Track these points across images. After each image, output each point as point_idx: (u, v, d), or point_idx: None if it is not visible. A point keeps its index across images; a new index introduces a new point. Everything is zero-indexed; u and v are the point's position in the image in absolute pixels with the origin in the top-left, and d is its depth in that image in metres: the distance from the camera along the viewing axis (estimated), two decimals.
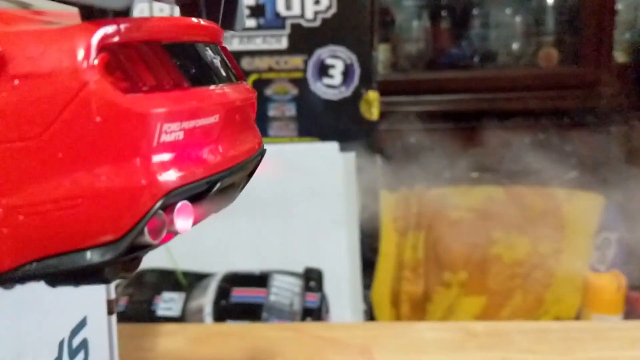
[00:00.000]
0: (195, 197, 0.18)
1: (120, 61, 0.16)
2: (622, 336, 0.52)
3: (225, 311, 0.93)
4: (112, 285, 0.38)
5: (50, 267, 0.16)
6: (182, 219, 0.17)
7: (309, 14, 1.05)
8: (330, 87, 1.07)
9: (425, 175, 1.29)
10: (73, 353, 0.33)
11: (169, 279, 1.01)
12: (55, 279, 0.17)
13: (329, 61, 1.06)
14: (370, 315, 1.13)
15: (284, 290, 0.97)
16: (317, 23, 1.05)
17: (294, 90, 1.08)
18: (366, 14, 1.05)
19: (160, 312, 0.96)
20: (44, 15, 0.18)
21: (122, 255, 0.16)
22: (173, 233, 0.17)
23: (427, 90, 1.30)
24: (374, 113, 1.07)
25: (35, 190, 0.16)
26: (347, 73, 1.06)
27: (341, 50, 1.06)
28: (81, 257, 0.16)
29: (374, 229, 1.12)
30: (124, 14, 0.16)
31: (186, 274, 1.01)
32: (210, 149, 0.18)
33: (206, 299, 0.94)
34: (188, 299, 0.97)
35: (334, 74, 1.06)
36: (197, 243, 1.08)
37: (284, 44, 1.06)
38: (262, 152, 0.22)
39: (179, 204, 0.17)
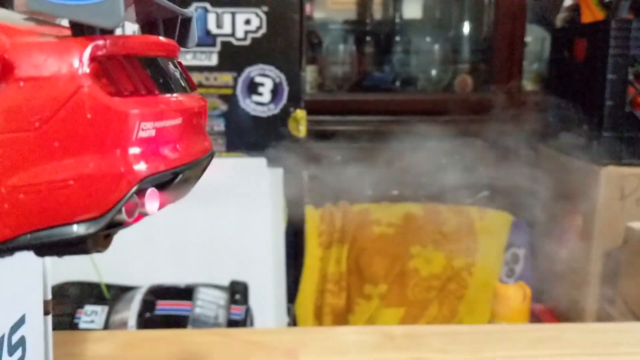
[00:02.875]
0: (161, 186, 0.21)
1: (107, 70, 0.19)
2: (526, 337, 0.57)
3: (149, 323, 0.93)
4: (49, 286, 0.40)
5: (42, 238, 0.19)
6: (151, 203, 0.20)
7: (240, 33, 1.08)
8: (259, 104, 1.10)
9: (348, 191, 1.33)
10: (12, 349, 0.34)
11: (91, 292, 1.00)
12: (43, 249, 0.20)
13: (258, 79, 1.09)
14: None
15: (209, 303, 0.98)
16: (247, 42, 1.08)
17: (223, 106, 1.09)
18: (295, 36, 1.09)
19: (83, 325, 0.95)
20: (43, 28, 0.21)
21: (102, 229, 0.19)
22: (143, 214, 0.21)
23: (351, 111, 1.35)
24: (301, 130, 1.10)
25: (33, 173, 0.19)
26: (275, 91, 1.09)
27: (270, 69, 1.09)
28: (69, 230, 0.19)
29: (299, 243, 1.15)
30: (109, 31, 0.19)
31: (110, 287, 1.00)
32: (174, 146, 0.21)
33: (130, 312, 0.94)
34: (112, 312, 0.96)
35: (263, 91, 1.09)
36: (121, 256, 1.07)
37: (214, 60, 1.08)
38: (212, 153, 0.25)
39: (149, 190, 0.20)
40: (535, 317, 1.09)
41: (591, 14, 1.14)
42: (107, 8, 0.18)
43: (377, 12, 1.66)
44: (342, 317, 1.15)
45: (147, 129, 0.20)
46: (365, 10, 1.59)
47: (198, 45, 1.08)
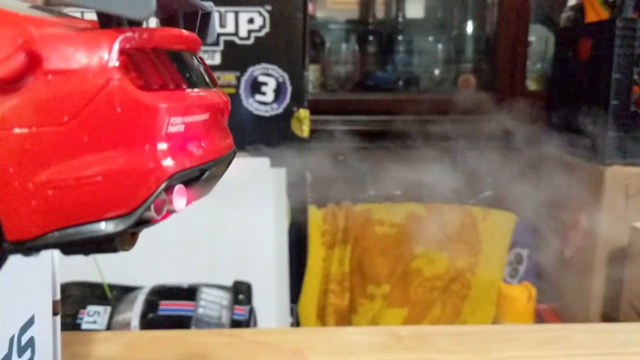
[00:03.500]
0: (187, 182, 0.20)
1: (136, 63, 0.19)
2: (533, 338, 0.57)
3: (152, 324, 0.92)
4: (57, 286, 0.39)
5: (69, 236, 0.19)
6: (179, 200, 0.20)
7: (243, 32, 1.08)
8: (262, 104, 1.09)
9: (351, 191, 1.33)
10: (21, 350, 0.33)
11: (94, 292, 0.99)
12: (70, 247, 0.19)
13: (261, 78, 1.09)
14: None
15: (212, 304, 0.97)
16: (251, 41, 1.08)
17: None
18: (298, 35, 1.08)
19: (85, 325, 0.95)
20: (64, 20, 0.20)
21: (131, 227, 0.19)
22: (170, 211, 0.20)
23: (354, 111, 1.34)
24: (304, 130, 1.10)
25: (61, 169, 0.18)
26: (279, 91, 1.09)
27: (273, 69, 1.09)
28: (97, 227, 0.19)
29: (302, 243, 1.15)
30: (137, 23, 0.18)
31: (113, 287, 1.00)
32: (201, 142, 0.21)
33: (133, 312, 0.94)
34: (114, 313, 0.96)
35: (266, 91, 1.09)
36: (124, 256, 1.07)
37: (217, 60, 1.08)
38: (235, 150, 0.25)
39: (177, 187, 0.20)
40: (539, 318, 1.09)
41: (595, 13, 1.13)
42: None
43: (380, 12, 1.66)
44: (345, 318, 1.15)
45: (176, 124, 0.19)
46: (367, 9, 1.59)
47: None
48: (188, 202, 0.21)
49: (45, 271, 0.36)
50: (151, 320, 0.92)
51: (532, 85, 1.42)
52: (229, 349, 0.55)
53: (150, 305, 0.94)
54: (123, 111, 0.18)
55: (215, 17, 0.24)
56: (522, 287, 0.90)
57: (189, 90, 0.21)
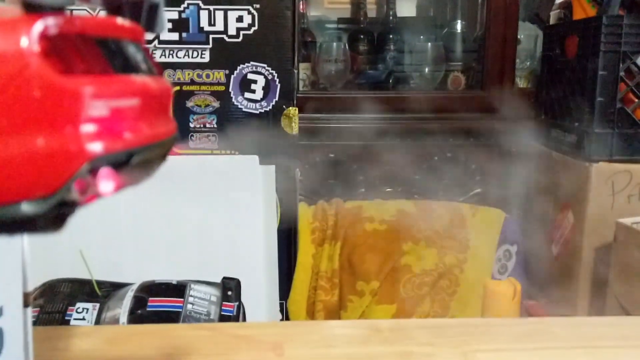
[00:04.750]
0: (118, 166, 0.21)
1: (58, 48, 0.19)
2: (512, 331, 0.57)
3: (141, 320, 0.92)
4: (28, 277, 0.39)
5: None
6: (104, 183, 0.20)
7: (232, 30, 1.08)
8: (251, 101, 1.10)
9: (341, 188, 1.34)
10: None
11: (82, 289, 1.00)
12: None
13: (250, 76, 1.09)
14: None
15: (201, 300, 0.98)
16: (240, 39, 1.08)
17: (215, 103, 1.10)
18: (287, 33, 1.09)
19: (74, 322, 0.95)
20: None
21: (52, 208, 0.19)
22: (96, 194, 0.21)
23: (344, 109, 1.35)
24: (293, 128, 1.11)
25: None
26: (268, 88, 1.10)
27: (262, 66, 1.09)
28: (17, 208, 0.19)
29: (292, 240, 1.15)
30: (60, 10, 0.19)
31: (101, 284, 1.00)
32: (130, 126, 0.21)
33: (122, 309, 0.94)
34: (103, 309, 0.96)
35: (255, 88, 1.09)
36: (113, 252, 1.08)
37: (206, 57, 1.08)
38: (176, 137, 0.25)
39: (102, 169, 0.20)
40: (527, 313, 1.09)
41: (583, 10, 1.14)
42: None
43: (371, 10, 1.66)
44: (335, 314, 1.16)
45: (98, 107, 0.20)
46: (359, 8, 1.59)
47: (190, 42, 1.08)
48: (118, 187, 0.21)
49: (15, 261, 0.36)
50: (140, 316, 0.93)
51: (521, 83, 1.43)
52: (209, 343, 0.55)
53: (139, 301, 0.94)
54: (42, 95, 0.19)
55: (162, 8, 0.25)
56: (508, 282, 0.90)
57: (118, 75, 0.22)
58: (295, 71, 1.13)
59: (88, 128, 0.19)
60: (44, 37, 0.19)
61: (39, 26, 0.19)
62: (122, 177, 0.21)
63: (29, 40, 0.19)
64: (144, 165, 0.23)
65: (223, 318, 0.96)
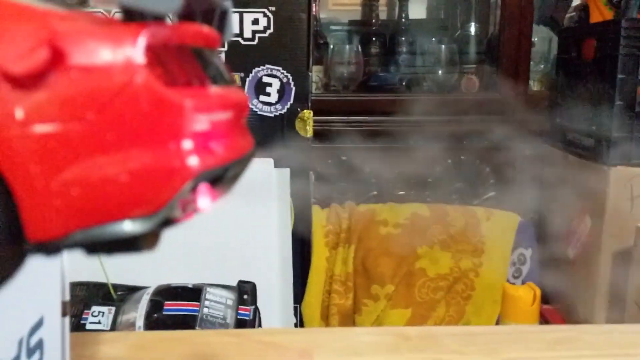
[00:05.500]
0: (214, 182, 0.20)
1: (160, 59, 0.18)
2: (541, 338, 0.57)
3: (157, 324, 0.92)
4: (67, 286, 0.39)
5: (92, 236, 0.18)
6: (203, 199, 0.19)
7: (247, 33, 1.07)
8: (266, 104, 1.09)
9: (353, 191, 1.33)
10: (30, 352, 0.33)
11: (98, 293, 0.99)
12: (93, 247, 0.19)
13: (266, 79, 1.09)
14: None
15: (217, 304, 0.97)
16: (255, 42, 1.08)
17: None
18: (302, 36, 1.08)
19: (89, 326, 0.94)
20: (88, 15, 0.20)
21: (156, 227, 0.19)
22: (194, 211, 0.20)
23: (357, 111, 1.35)
24: (308, 131, 1.10)
25: (85, 167, 0.18)
26: (283, 91, 1.09)
27: (277, 70, 1.09)
28: (121, 227, 0.18)
29: (306, 244, 1.15)
30: (160, 19, 0.18)
31: (117, 287, 0.99)
32: (226, 140, 0.20)
33: (138, 312, 0.93)
34: (119, 313, 0.95)
35: (270, 91, 1.09)
36: (129, 256, 1.07)
37: (221, 60, 1.08)
38: (255, 150, 0.25)
39: (202, 186, 0.19)
40: (543, 318, 1.09)
41: (600, 13, 1.13)
42: None
43: (383, 13, 1.66)
44: (349, 318, 1.15)
45: (201, 122, 0.19)
46: (370, 10, 1.59)
47: None
48: (212, 202, 0.20)
49: (55, 271, 0.35)
50: (156, 320, 0.92)
51: (535, 86, 1.42)
52: (236, 350, 0.55)
53: (155, 305, 0.94)
54: (148, 108, 0.18)
55: (231, 15, 0.24)
56: (527, 287, 0.90)
57: (212, 87, 0.21)
58: (310, 74, 1.13)
59: (191, 144, 0.19)
60: (149, 47, 0.18)
61: (144, 36, 0.18)
62: (216, 192, 0.20)
63: (135, 51, 0.18)
64: (233, 179, 0.22)
65: (239, 322, 0.96)
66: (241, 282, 1.00)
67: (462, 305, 1.13)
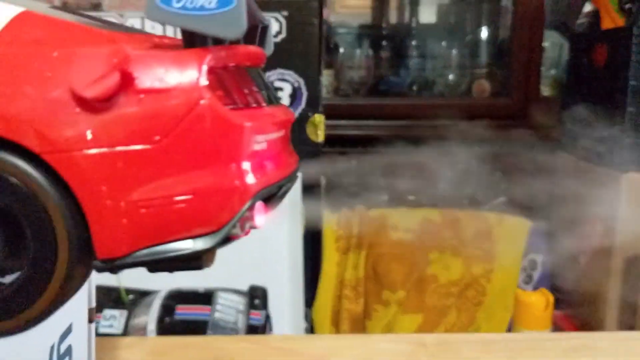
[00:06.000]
0: (268, 199, 0.20)
1: (221, 81, 0.19)
2: (558, 346, 0.57)
3: (169, 328, 0.92)
4: (93, 293, 0.39)
5: (157, 254, 0.19)
6: (260, 216, 0.20)
7: None
8: None
9: (363, 196, 1.33)
10: (60, 358, 0.34)
11: (110, 296, 1.00)
12: (157, 265, 0.19)
13: (277, 84, 1.09)
14: (311, 333, 1.15)
15: (228, 308, 0.97)
16: None
17: None
18: (314, 40, 1.08)
19: (102, 329, 0.95)
20: (151, 39, 0.20)
21: (219, 244, 0.19)
22: (251, 228, 0.20)
23: (368, 115, 1.35)
24: (319, 135, 1.10)
25: (153, 187, 0.18)
26: (294, 96, 1.09)
27: (289, 74, 1.09)
28: (185, 245, 0.19)
29: (317, 248, 1.15)
30: (220, 42, 0.18)
31: (129, 291, 1.00)
32: (278, 158, 0.21)
33: (150, 316, 0.94)
34: (131, 316, 0.96)
35: (282, 96, 1.09)
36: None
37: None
38: (299, 166, 0.25)
39: (258, 204, 0.20)
40: (555, 324, 1.08)
41: (611, 19, 1.13)
42: (231, 17, 0.18)
43: (393, 17, 1.66)
44: (360, 323, 1.15)
45: (259, 142, 0.19)
46: (380, 14, 1.59)
47: None
48: (267, 218, 0.21)
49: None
50: (167, 324, 0.93)
51: (546, 91, 1.42)
52: (252, 356, 0.55)
53: (167, 309, 0.94)
54: (212, 130, 0.18)
55: (271, 30, 0.24)
56: (540, 293, 0.89)
57: (266, 107, 0.21)
58: (321, 78, 1.13)
59: (249, 163, 0.19)
60: (211, 70, 0.18)
61: (208, 60, 0.18)
62: (269, 209, 0.21)
63: (201, 74, 0.18)
64: (284, 195, 0.22)
65: (250, 327, 0.96)
66: (252, 287, 1.01)
67: (473, 311, 1.13)
